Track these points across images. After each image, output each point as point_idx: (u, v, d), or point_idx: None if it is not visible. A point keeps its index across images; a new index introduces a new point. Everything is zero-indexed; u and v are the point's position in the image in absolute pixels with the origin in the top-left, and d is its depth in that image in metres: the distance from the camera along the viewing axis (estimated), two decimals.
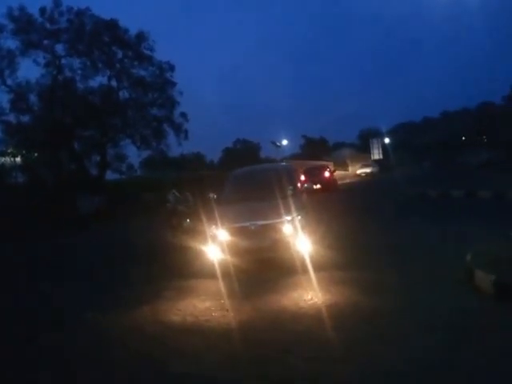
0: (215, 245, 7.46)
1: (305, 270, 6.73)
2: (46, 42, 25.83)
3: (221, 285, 6.61)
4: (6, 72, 24.88)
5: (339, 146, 78.89)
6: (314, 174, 25.82)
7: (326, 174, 28.29)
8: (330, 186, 26.50)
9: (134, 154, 30.47)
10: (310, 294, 5.79)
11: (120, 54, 28.15)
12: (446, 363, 3.66)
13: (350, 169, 58.21)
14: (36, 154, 26.95)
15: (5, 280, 8.91)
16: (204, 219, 8.97)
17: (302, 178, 14.54)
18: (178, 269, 8.14)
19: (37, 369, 4.42)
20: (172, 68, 28.78)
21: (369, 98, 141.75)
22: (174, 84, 28.93)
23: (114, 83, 28.33)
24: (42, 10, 25.20)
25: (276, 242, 7.27)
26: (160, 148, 29.42)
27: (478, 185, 17.19)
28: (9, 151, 25.80)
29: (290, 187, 8.15)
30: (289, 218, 7.29)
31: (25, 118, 26.08)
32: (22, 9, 24.62)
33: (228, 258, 7.26)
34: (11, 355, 4.82)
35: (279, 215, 7.31)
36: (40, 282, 8.54)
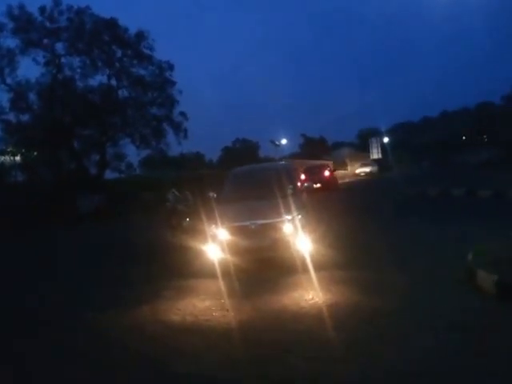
0: (215, 244, 7.44)
1: (305, 270, 6.73)
2: (45, 40, 25.83)
3: (221, 284, 6.60)
4: (6, 71, 24.89)
5: (338, 145, 78.79)
6: (314, 173, 25.88)
7: (326, 173, 28.38)
8: (330, 184, 26.57)
9: (133, 153, 30.53)
10: (311, 294, 5.78)
11: (120, 53, 28.14)
12: (449, 364, 3.65)
13: (349, 168, 58.17)
14: (36, 153, 26.95)
15: (4, 280, 8.89)
16: (204, 218, 8.95)
17: (303, 177, 14.56)
18: (177, 268, 8.13)
19: (37, 369, 4.40)
20: (171, 67, 28.76)
21: (368, 97, 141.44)
22: (173, 83, 28.91)
23: (113, 82, 28.33)
24: (42, 9, 25.18)
25: (276, 242, 7.25)
26: (159, 147, 29.41)
27: (478, 184, 17.19)
28: (8, 150, 25.80)
29: (290, 186, 8.12)
30: (289, 217, 7.27)
31: (24, 117, 26.11)
32: (21, 7, 24.63)
33: (228, 257, 7.24)
34: (11, 355, 4.80)
35: (279, 214, 7.29)
36: (39, 281, 8.52)
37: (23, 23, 24.76)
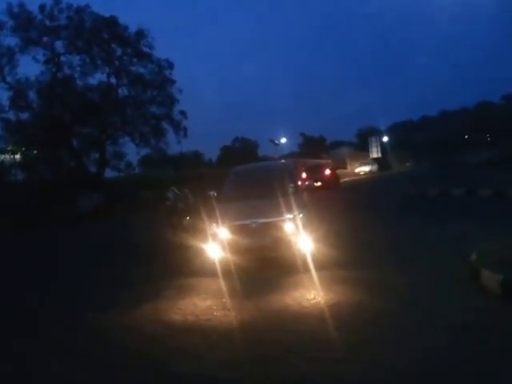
0: (216, 243, 7.41)
1: (306, 269, 6.70)
2: (45, 38, 25.86)
3: (222, 283, 6.57)
4: (6, 69, 24.91)
5: (338, 144, 78.66)
6: (315, 172, 25.95)
7: (327, 171, 28.54)
8: (330, 183, 26.73)
9: (132, 152, 30.51)
10: (312, 293, 5.75)
11: (119, 51, 28.19)
12: (452, 364, 3.62)
13: (349, 167, 58.12)
14: (35, 152, 26.90)
15: (4, 280, 8.85)
16: (204, 217, 8.91)
17: (304, 175, 14.53)
18: (178, 267, 8.09)
19: (37, 369, 4.37)
20: (171, 66, 28.77)
21: (368, 96, 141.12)
22: (173, 82, 28.94)
23: (113, 80, 28.37)
24: (42, 7, 25.21)
25: (277, 241, 7.21)
26: (159, 146, 29.44)
27: (478, 184, 17.17)
28: (8, 149, 25.77)
29: (291, 185, 8.07)
30: (290, 216, 7.23)
31: (24, 116, 26.13)
32: (21, 6, 24.66)
33: (229, 256, 7.21)
34: (11, 355, 4.77)
35: (280, 213, 7.25)
36: (39, 281, 8.48)
37: (23, 21, 24.76)
